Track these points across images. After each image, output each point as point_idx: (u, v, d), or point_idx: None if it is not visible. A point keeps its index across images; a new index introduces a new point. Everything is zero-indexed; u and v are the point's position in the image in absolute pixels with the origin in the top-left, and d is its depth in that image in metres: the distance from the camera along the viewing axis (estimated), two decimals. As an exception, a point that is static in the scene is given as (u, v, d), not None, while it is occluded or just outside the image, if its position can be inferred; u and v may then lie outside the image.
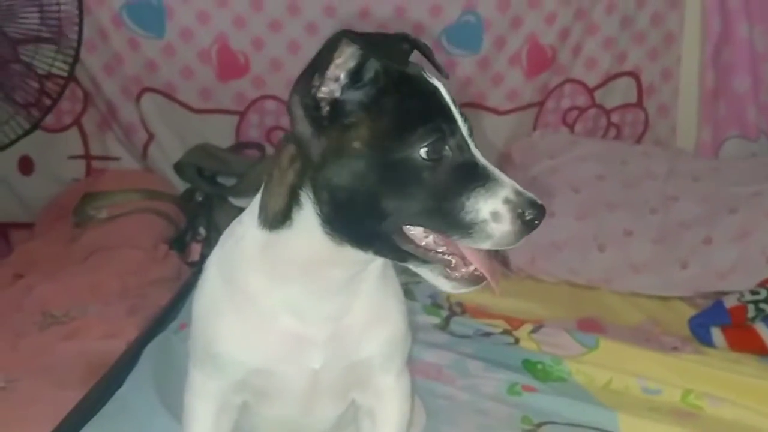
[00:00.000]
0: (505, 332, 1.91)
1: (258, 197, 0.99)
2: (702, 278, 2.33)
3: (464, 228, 0.86)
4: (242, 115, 2.74)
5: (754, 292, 2.00)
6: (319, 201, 0.90)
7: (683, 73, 2.86)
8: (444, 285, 0.91)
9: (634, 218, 2.51)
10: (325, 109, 0.89)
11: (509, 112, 2.83)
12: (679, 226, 2.47)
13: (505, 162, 2.81)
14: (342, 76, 0.88)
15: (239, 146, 2.75)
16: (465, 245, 0.88)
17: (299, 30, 2.67)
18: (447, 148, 0.88)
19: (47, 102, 2.42)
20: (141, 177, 2.71)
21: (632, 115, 2.90)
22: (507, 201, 0.86)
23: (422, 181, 0.87)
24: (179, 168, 2.59)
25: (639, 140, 2.91)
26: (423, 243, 0.89)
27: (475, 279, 0.90)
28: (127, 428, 1.28)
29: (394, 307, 1.04)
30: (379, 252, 0.91)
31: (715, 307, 2.01)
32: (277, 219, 0.95)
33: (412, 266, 0.90)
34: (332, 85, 0.89)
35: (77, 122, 2.71)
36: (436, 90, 0.91)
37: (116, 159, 2.76)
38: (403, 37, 0.93)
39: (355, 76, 0.89)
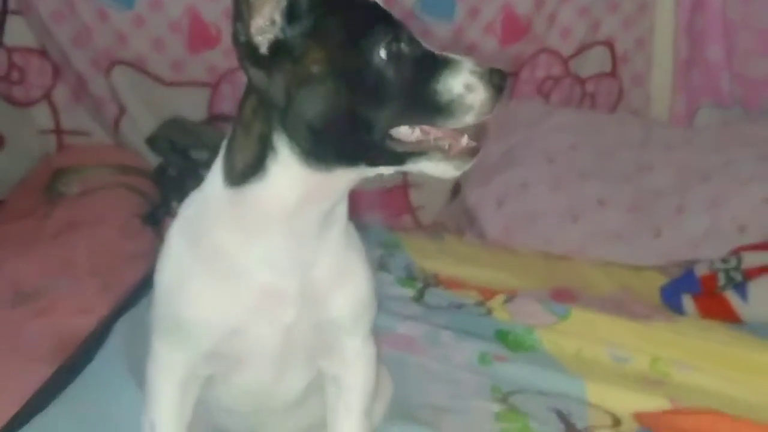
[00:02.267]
0: (479, 303, 1.93)
1: (219, 160, 0.99)
2: (675, 247, 2.35)
3: (445, 110, 0.91)
4: (214, 87, 2.70)
5: (725, 261, 2.02)
6: (296, 139, 0.92)
7: (657, 42, 2.85)
8: (448, 169, 0.94)
9: (608, 187, 2.52)
10: (268, 49, 0.91)
11: (484, 82, 2.81)
12: (652, 194, 2.49)
13: (479, 133, 2.81)
14: (277, 18, 0.90)
15: (212, 119, 2.73)
16: (450, 128, 0.93)
17: None
18: (402, 44, 0.92)
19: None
20: (113, 151, 2.68)
21: (607, 84, 2.90)
22: (473, 72, 0.91)
23: (390, 80, 0.91)
24: (151, 142, 2.56)
25: (613, 110, 2.91)
26: (413, 138, 0.93)
27: (472, 151, 0.96)
28: (97, 403, 1.28)
29: (359, 266, 1.06)
30: (373, 162, 0.93)
31: (686, 276, 2.04)
32: (246, 173, 0.95)
33: (411, 166, 0.94)
34: (270, 29, 0.91)
35: (47, 96, 2.67)
36: (372, 1, 0.95)
37: (87, 134, 2.72)
38: None
39: (291, 13, 0.91)
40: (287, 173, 0.93)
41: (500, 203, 2.57)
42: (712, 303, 1.95)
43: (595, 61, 2.87)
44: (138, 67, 2.65)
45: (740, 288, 1.93)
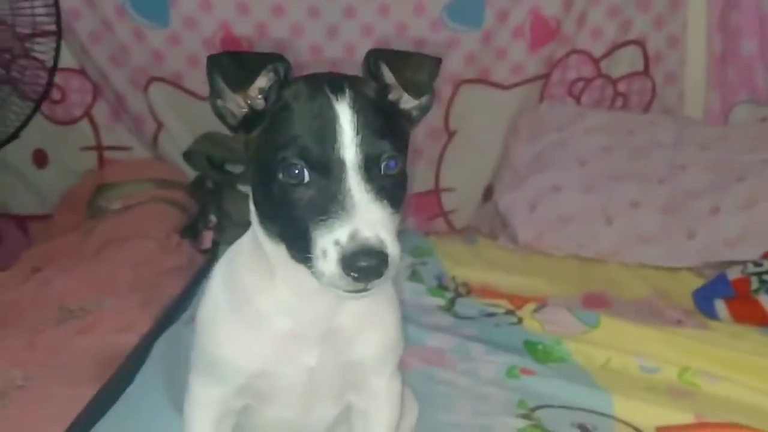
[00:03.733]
0: (509, 312, 1.95)
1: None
2: (709, 248, 2.34)
3: (306, 256, 0.88)
4: (248, 100, 2.75)
5: (757, 264, 2.00)
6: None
7: (690, 39, 2.81)
8: (338, 293, 0.89)
9: (641, 189, 2.51)
10: (236, 118, 0.97)
11: (515, 86, 2.82)
12: (686, 195, 2.47)
13: (512, 136, 2.82)
14: (242, 103, 0.96)
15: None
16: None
17: (302, 13, 2.68)
18: (306, 174, 0.89)
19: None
20: (152, 166, 2.76)
21: (639, 83, 2.88)
22: (337, 243, 0.85)
23: (283, 199, 0.90)
24: (188, 156, 2.63)
25: (647, 109, 2.88)
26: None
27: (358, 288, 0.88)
28: (136, 427, 1.34)
29: (387, 314, 1.07)
30: (289, 248, 0.94)
31: (718, 280, 2.02)
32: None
33: (312, 269, 0.89)
34: (238, 112, 0.97)
35: (87, 114, 2.76)
36: (327, 111, 0.91)
37: (127, 149, 2.81)
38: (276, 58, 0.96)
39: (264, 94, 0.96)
40: (261, 231, 0.98)
41: (532, 207, 2.58)
42: (746, 307, 1.94)
43: (626, 61, 2.85)
44: (174, 83, 2.72)
45: (772, 290, 1.92)
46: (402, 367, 1.13)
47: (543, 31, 2.77)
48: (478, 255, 2.50)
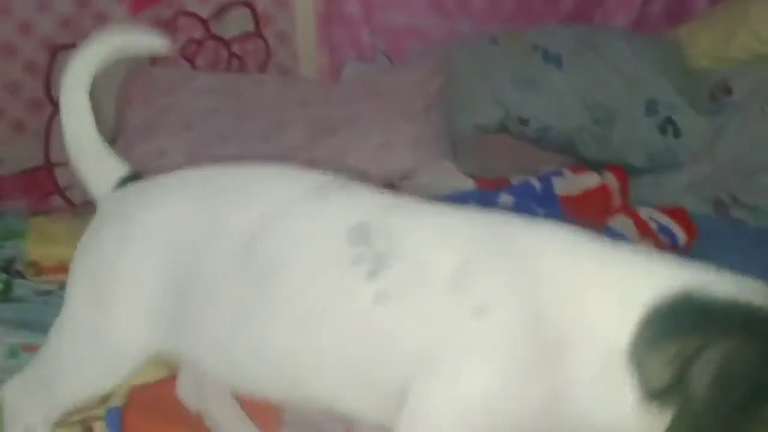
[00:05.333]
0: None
1: None
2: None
3: None
4: None
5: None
6: None
7: (297, 1, 2.88)
8: None
9: (245, 149, 2.53)
10: None
11: (122, 50, 2.71)
12: (287, 151, 2.53)
13: (122, 102, 2.72)
14: None
15: None
16: None
17: None
18: None
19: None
20: None
21: (253, 44, 2.90)
22: None
23: None
24: None
25: (263, 70, 2.92)
26: None
27: None
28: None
29: None
30: None
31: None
32: None
33: None
34: None
35: None
36: None
37: None
38: None
39: None
40: None
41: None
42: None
43: (237, 22, 2.85)
44: None
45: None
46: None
47: (144, -6, 2.70)
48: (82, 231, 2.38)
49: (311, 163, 2.45)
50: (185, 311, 0.95)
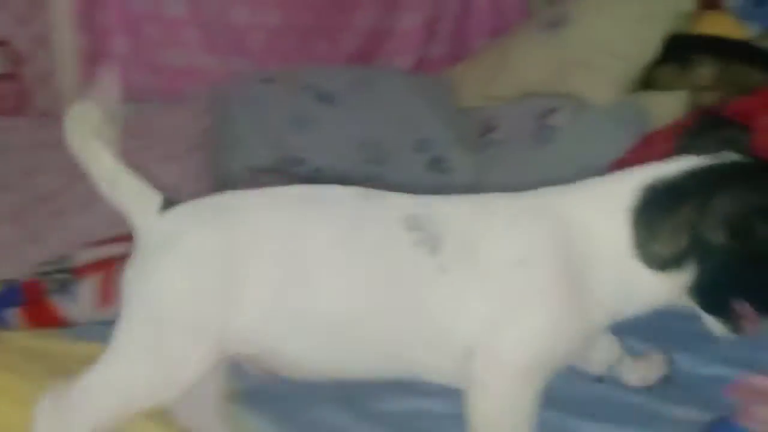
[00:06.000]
0: None
1: None
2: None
3: None
4: None
5: (51, 263, 1.94)
6: None
7: (57, 38, 2.72)
8: None
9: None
10: None
11: None
12: (38, 198, 2.36)
13: None
14: None
15: None
16: None
17: None
18: None
19: None
20: None
21: (7, 86, 2.70)
22: None
23: None
24: None
25: (19, 112, 2.72)
26: None
27: None
28: None
29: None
30: None
31: (8, 290, 1.92)
32: None
33: None
34: None
35: None
36: None
37: None
38: None
39: None
40: None
41: None
42: (40, 311, 1.85)
43: (-7, 62, 2.67)
44: None
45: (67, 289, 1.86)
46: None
47: None
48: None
49: (61, 212, 2.32)
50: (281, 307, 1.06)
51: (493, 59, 2.83)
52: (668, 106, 2.42)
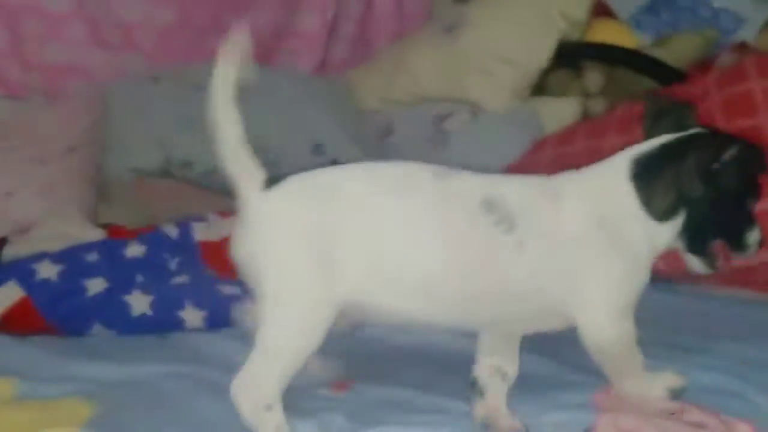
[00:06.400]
0: None
1: None
2: None
3: None
4: None
5: None
6: None
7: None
8: None
9: None
10: None
11: None
12: None
13: None
14: None
15: None
16: None
17: None
18: None
19: None
20: None
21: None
22: None
23: None
24: None
25: None
26: None
27: None
28: None
29: None
30: None
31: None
32: None
33: None
34: None
35: None
36: None
37: None
38: None
39: None
40: None
41: None
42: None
43: None
44: None
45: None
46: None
47: None
48: None
49: None
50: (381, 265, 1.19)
51: (391, 63, 2.79)
52: (560, 112, 2.43)
